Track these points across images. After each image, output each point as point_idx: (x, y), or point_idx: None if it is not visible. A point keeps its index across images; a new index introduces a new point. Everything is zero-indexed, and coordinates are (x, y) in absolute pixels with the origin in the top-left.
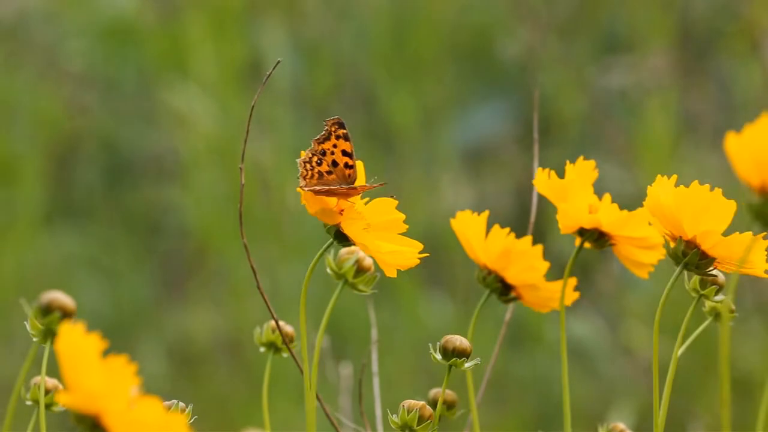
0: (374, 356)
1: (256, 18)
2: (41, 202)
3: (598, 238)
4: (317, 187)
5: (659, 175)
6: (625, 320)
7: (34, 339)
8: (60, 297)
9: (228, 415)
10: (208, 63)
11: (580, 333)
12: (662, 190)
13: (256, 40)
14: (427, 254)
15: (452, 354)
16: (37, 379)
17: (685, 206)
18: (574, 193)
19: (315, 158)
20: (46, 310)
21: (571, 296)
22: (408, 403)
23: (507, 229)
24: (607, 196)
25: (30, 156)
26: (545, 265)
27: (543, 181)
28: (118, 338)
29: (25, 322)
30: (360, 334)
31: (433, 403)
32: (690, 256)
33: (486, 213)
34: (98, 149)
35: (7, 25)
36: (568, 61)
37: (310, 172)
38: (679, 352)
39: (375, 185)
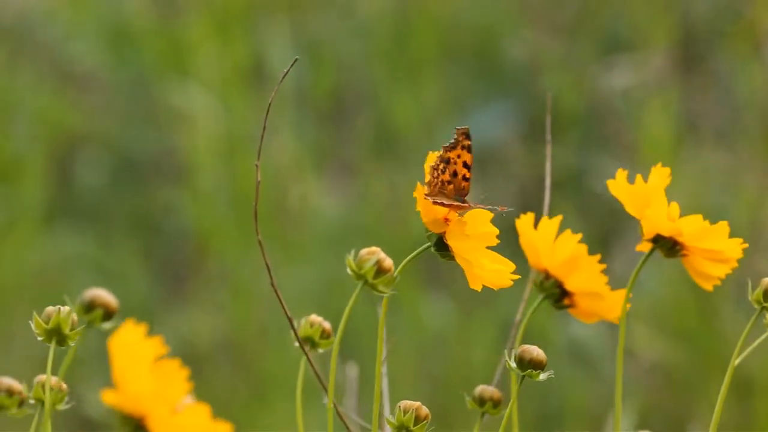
0: (384, 357)
1: (258, 18)
2: (42, 202)
3: (672, 246)
4: (438, 199)
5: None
6: (627, 321)
7: (39, 339)
8: (103, 294)
9: (229, 416)
10: (211, 63)
11: (581, 334)
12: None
13: (258, 41)
14: (519, 276)
15: (528, 365)
16: (39, 377)
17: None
18: (656, 200)
19: (441, 165)
20: (89, 307)
21: (624, 307)
22: (404, 403)
23: (579, 236)
24: (675, 205)
25: (31, 156)
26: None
27: (620, 184)
28: None
29: (30, 322)
30: (363, 335)
31: (479, 401)
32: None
33: (559, 217)
34: (100, 150)
35: (8, 25)
36: (571, 62)
37: (435, 180)
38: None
39: (493, 209)
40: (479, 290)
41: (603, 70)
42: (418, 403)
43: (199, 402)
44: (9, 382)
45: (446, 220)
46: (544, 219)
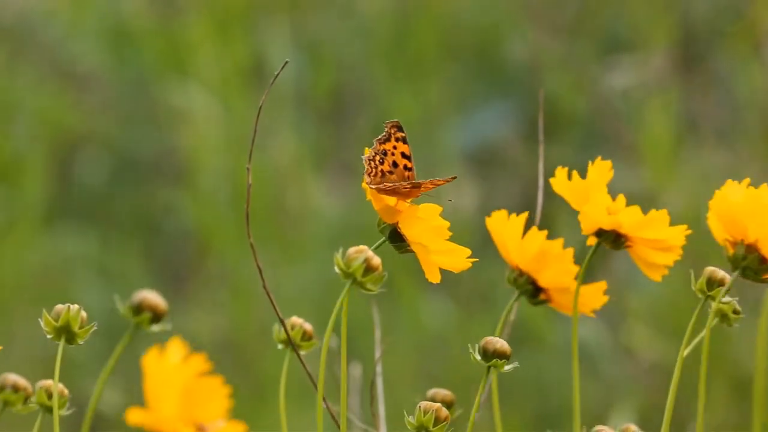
0: (378, 356)
1: (258, 18)
2: (43, 202)
3: (616, 239)
4: (383, 185)
5: (728, 181)
6: (627, 321)
7: (48, 337)
8: (152, 297)
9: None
10: (211, 63)
11: (581, 333)
12: (732, 190)
13: (258, 41)
14: (476, 259)
15: (492, 355)
16: (43, 382)
17: (753, 208)
18: (594, 194)
19: (378, 157)
20: (137, 310)
21: (601, 300)
22: (424, 404)
23: (545, 232)
24: (621, 198)
25: (32, 156)
26: (575, 269)
27: (561, 181)
28: (119, 339)
29: (39, 320)
30: (362, 335)
31: (442, 403)
32: (749, 260)
33: (525, 214)
34: (100, 149)
35: (8, 25)
36: (571, 62)
37: (374, 170)
38: (685, 352)
39: (442, 180)
40: (438, 280)
41: (603, 70)
42: (438, 404)
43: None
44: (14, 378)
45: (398, 211)
46: (512, 216)
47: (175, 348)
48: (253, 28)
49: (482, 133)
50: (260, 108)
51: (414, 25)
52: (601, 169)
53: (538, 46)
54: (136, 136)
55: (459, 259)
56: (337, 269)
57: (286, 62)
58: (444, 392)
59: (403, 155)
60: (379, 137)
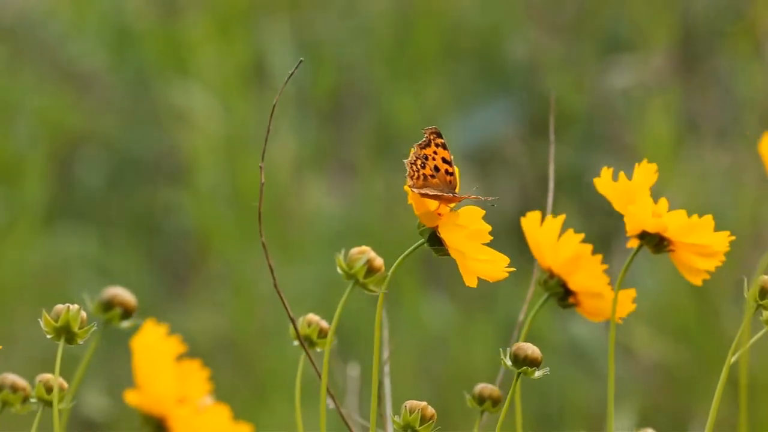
0: (385, 357)
1: (258, 18)
2: (43, 202)
3: (658, 242)
4: (425, 191)
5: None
6: (627, 320)
7: (48, 337)
8: (122, 293)
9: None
10: (211, 63)
11: (580, 333)
12: None
13: (258, 40)
14: (514, 269)
15: (523, 362)
16: (42, 376)
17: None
18: (640, 196)
19: (419, 161)
20: (108, 306)
21: (629, 307)
22: (410, 403)
23: (581, 235)
24: (663, 201)
25: (32, 156)
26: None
27: (605, 181)
28: (119, 339)
29: (39, 320)
30: (363, 335)
31: (478, 399)
32: None
33: (562, 216)
34: (100, 149)
35: (8, 25)
36: (572, 61)
37: (416, 173)
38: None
39: (483, 198)
40: (475, 285)
41: (604, 70)
42: (424, 403)
43: (218, 402)
44: (13, 378)
45: (439, 214)
46: (548, 218)
47: (157, 331)
48: (253, 28)
49: (482, 132)
50: (273, 108)
51: (414, 24)
52: (646, 172)
53: (539, 45)
54: (136, 136)
55: (497, 268)
56: (339, 270)
57: (301, 61)
58: (491, 387)
59: (444, 160)
60: (420, 142)
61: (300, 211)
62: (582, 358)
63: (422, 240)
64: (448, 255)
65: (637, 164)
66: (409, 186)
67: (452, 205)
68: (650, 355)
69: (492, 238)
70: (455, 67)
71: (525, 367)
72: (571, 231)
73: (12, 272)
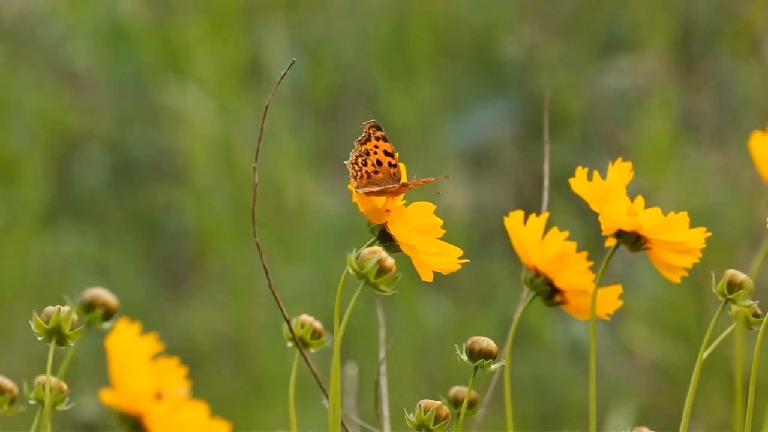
0: (382, 356)
1: (255, 18)
2: (41, 202)
3: (635, 241)
4: (369, 189)
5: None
6: (625, 320)
7: (39, 338)
8: (103, 294)
9: (228, 415)
10: (208, 63)
11: (579, 333)
12: None
13: (255, 40)
14: (467, 260)
15: (479, 355)
16: (40, 378)
17: None
18: (614, 195)
19: (360, 159)
20: (89, 307)
21: (616, 303)
22: (425, 402)
23: (565, 233)
24: (639, 199)
25: (31, 156)
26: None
27: (580, 181)
28: None
29: (30, 322)
30: (363, 334)
31: (453, 402)
32: None
33: (546, 215)
34: (99, 149)
35: (8, 25)
36: (568, 61)
37: (359, 173)
38: (704, 355)
39: (426, 180)
40: (431, 280)
41: (600, 70)
42: (438, 403)
43: (197, 400)
44: (0, 379)
45: (387, 211)
46: (532, 216)
47: (132, 329)
48: (249, 28)
49: (478, 132)
50: (266, 107)
51: (411, 24)
52: (621, 171)
53: (535, 45)
54: (134, 136)
55: (450, 260)
56: (350, 270)
57: (294, 62)
58: (464, 390)
59: (386, 153)
60: (359, 138)
61: (298, 210)
62: (582, 358)
63: (373, 238)
64: (400, 251)
65: (610, 163)
66: (354, 187)
67: (402, 196)
68: (649, 355)
69: (445, 231)
70: (452, 67)
71: (481, 360)
72: (555, 229)
73: (11, 272)
